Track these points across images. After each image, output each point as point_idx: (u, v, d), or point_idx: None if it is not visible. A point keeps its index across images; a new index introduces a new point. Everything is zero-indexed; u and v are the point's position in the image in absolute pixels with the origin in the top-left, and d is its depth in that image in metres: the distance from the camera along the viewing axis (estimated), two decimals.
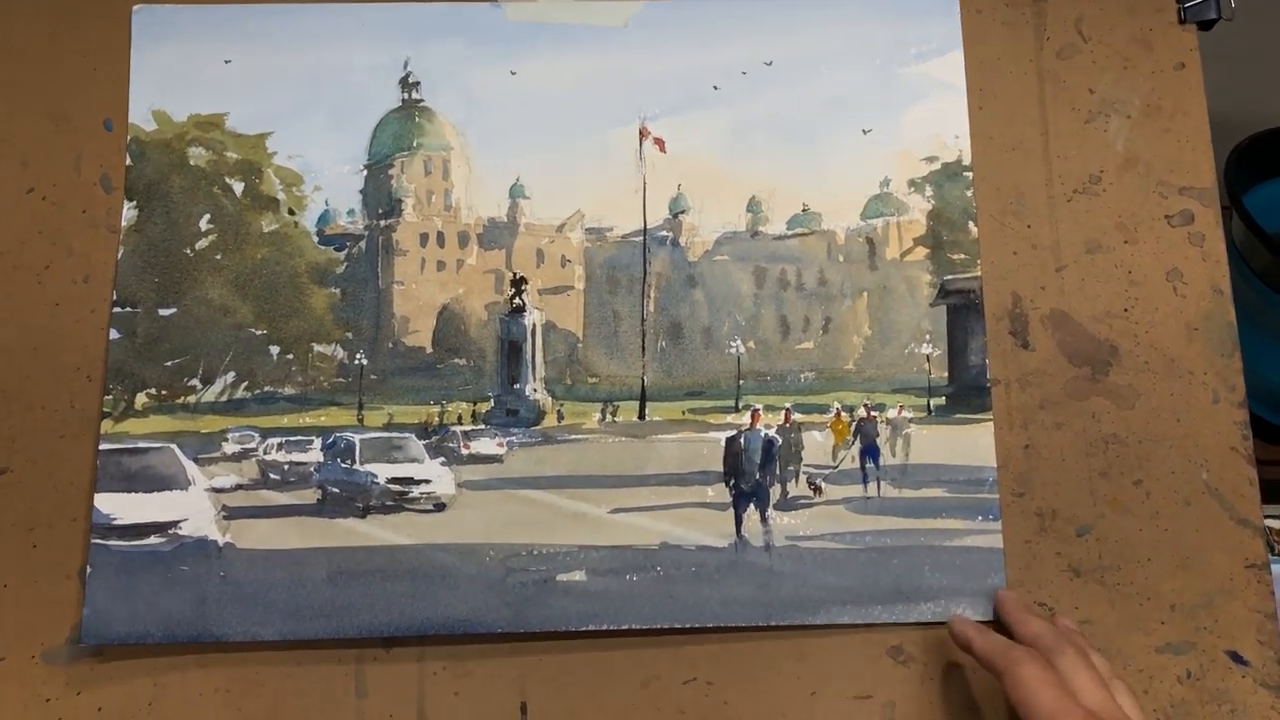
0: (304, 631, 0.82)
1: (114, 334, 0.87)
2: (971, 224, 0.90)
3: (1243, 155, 1.25)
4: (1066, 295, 0.90)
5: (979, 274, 0.89)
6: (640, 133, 0.91)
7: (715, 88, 0.92)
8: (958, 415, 0.87)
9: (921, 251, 0.90)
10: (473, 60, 0.92)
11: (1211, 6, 0.93)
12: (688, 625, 0.83)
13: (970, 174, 0.91)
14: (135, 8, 0.92)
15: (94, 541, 0.83)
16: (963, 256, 0.89)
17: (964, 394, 0.87)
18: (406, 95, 0.91)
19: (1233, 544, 0.85)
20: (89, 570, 0.82)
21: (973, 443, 0.86)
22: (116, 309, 0.87)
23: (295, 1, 0.92)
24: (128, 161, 0.90)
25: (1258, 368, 1.29)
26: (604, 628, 0.83)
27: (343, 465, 0.86)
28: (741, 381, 0.89)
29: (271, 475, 0.86)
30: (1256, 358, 1.28)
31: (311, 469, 0.86)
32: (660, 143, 0.91)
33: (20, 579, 0.84)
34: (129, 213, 0.89)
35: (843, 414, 0.88)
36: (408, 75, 0.91)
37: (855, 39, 0.92)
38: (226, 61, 0.91)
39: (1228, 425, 0.87)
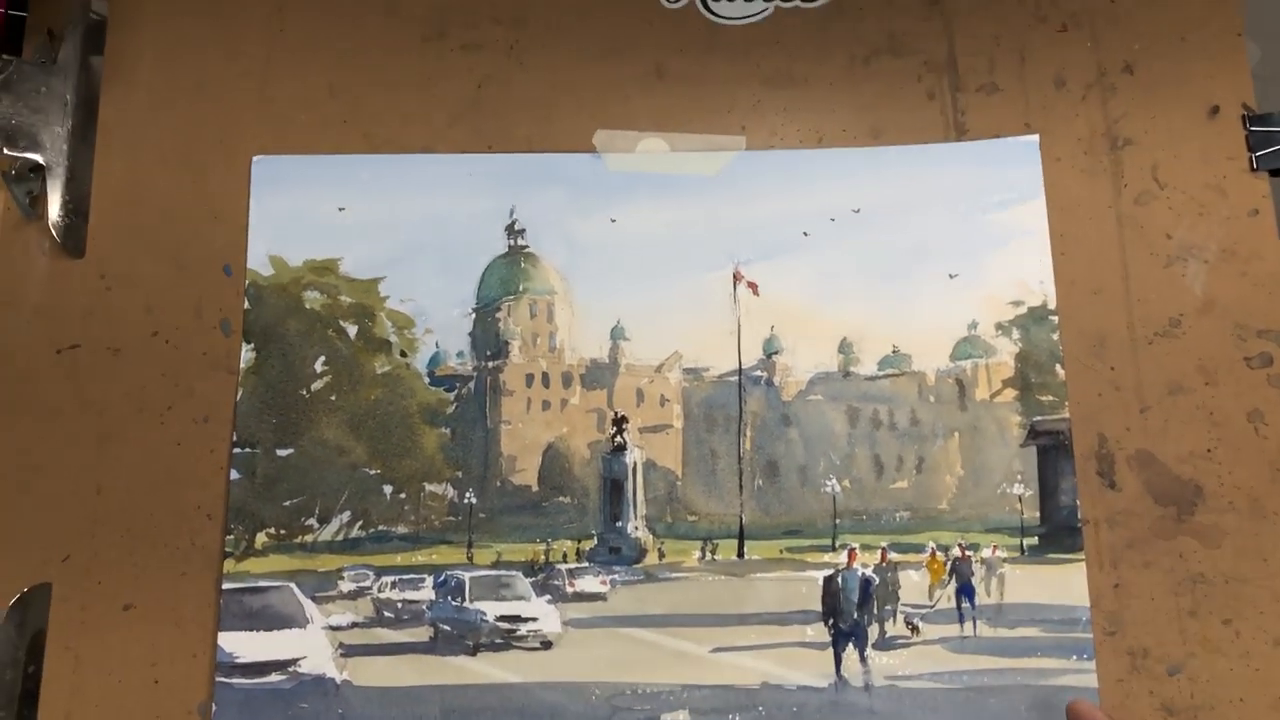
0: None
1: (234, 474, 0.91)
2: (1058, 366, 0.93)
3: None
4: (1151, 436, 0.93)
5: (1067, 415, 0.92)
6: (734, 276, 0.95)
7: (805, 234, 0.96)
8: (1050, 555, 0.90)
9: (1010, 393, 0.93)
10: (575, 208, 0.96)
11: None
12: None
13: (1055, 317, 0.94)
14: (255, 158, 0.97)
15: (218, 679, 0.86)
16: (1051, 398, 0.93)
17: (1056, 534, 0.90)
18: (512, 241, 0.96)
19: None
20: (214, 708, 0.85)
21: (1065, 582, 0.89)
22: (236, 449, 0.91)
23: (406, 152, 0.97)
24: (245, 305, 0.94)
25: None
26: None
27: (454, 603, 0.89)
28: (838, 520, 0.92)
29: (386, 613, 0.89)
30: None
31: (424, 607, 0.89)
32: (754, 286, 0.95)
33: (143, 714, 0.87)
34: (247, 355, 0.93)
35: (938, 553, 0.91)
36: (513, 222, 0.96)
37: (940, 187, 0.97)
38: (340, 209, 0.96)
39: None
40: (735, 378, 0.95)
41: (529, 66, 1.02)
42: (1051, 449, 0.92)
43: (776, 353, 0.95)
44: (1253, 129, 0.99)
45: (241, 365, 0.93)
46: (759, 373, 0.95)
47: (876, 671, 0.88)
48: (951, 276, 0.95)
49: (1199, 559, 0.90)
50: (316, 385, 0.93)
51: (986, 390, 0.94)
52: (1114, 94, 1.00)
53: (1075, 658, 0.88)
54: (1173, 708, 0.88)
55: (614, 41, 1.02)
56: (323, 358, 0.94)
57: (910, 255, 0.96)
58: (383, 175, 0.97)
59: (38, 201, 0.95)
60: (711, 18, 1.03)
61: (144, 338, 0.94)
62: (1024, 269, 0.95)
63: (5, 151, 0.94)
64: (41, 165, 0.95)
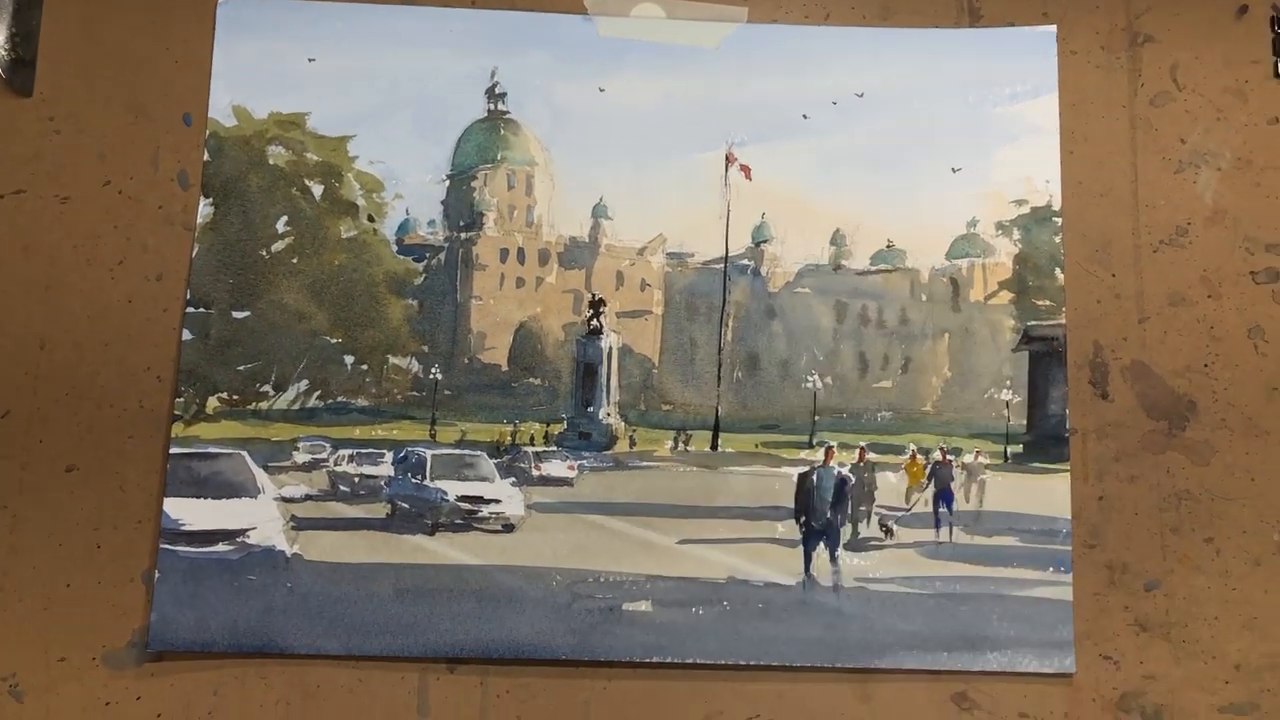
0: (369, 647, 0.84)
1: (186, 335, 0.89)
2: (1058, 270, 0.92)
3: None
4: (1148, 347, 0.92)
5: (1062, 321, 0.91)
6: (726, 158, 0.93)
7: (805, 116, 0.94)
8: (1034, 464, 0.90)
9: (1006, 296, 0.92)
10: (561, 74, 0.93)
11: None
12: (753, 662, 0.85)
13: (1059, 219, 0.92)
14: (221, 1, 0.93)
15: (162, 546, 0.85)
16: (1047, 303, 0.92)
17: (1042, 443, 0.90)
18: (492, 106, 0.93)
19: None
20: (157, 575, 0.84)
21: (1048, 493, 0.89)
22: (190, 309, 0.89)
23: (384, 2, 0.93)
24: (205, 157, 0.91)
25: None
26: (668, 660, 0.85)
27: (413, 480, 0.88)
28: (817, 417, 0.91)
29: (341, 487, 0.88)
30: None
31: (382, 483, 0.88)
32: (746, 170, 0.93)
33: (84, 579, 0.86)
34: (205, 210, 0.91)
35: (918, 456, 0.90)
36: (494, 85, 0.93)
37: (949, 75, 0.94)
38: (310, 60, 0.93)
39: None
40: (721, 265, 0.93)
41: None
42: (1044, 355, 0.92)
43: (766, 241, 0.93)
44: None
45: (198, 221, 0.90)
46: (746, 261, 0.93)
47: (846, 572, 0.88)
48: (954, 170, 0.93)
49: (1186, 475, 0.91)
50: (277, 246, 0.91)
51: (981, 291, 0.93)
52: None
53: (1052, 569, 0.88)
54: (1146, 623, 0.88)
55: None
56: (285, 217, 0.91)
57: (913, 145, 0.94)
58: (358, 25, 0.93)
59: None
60: None
61: (96, 187, 0.92)
62: (1030, 167, 0.94)
63: None
64: None
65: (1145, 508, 0.90)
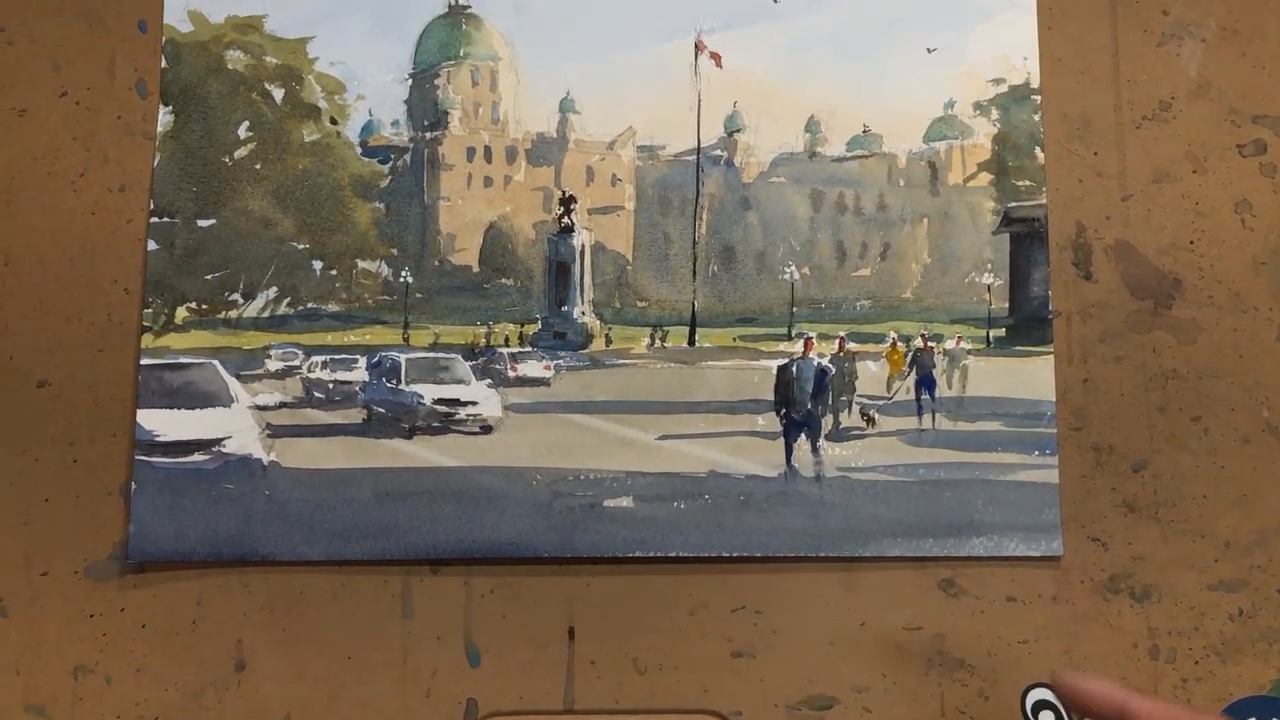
0: (350, 552, 0.84)
1: (152, 245, 0.88)
2: (1038, 150, 0.90)
3: None
4: (1132, 226, 0.90)
5: (1044, 202, 0.89)
6: (696, 46, 0.91)
7: (775, 1, 0.91)
8: (1017, 347, 0.89)
9: (985, 177, 0.91)
10: None
11: None
12: (735, 554, 0.85)
13: (1038, 97, 0.90)
14: None
15: (138, 458, 0.85)
16: (1028, 183, 0.90)
17: (1024, 325, 0.89)
18: (453, 0, 0.91)
19: None
20: (134, 487, 0.84)
21: (1031, 376, 0.88)
22: (154, 219, 0.88)
23: None
24: (163, 64, 0.89)
25: None
26: (651, 554, 0.85)
27: (388, 385, 0.88)
28: (795, 309, 0.90)
29: (316, 394, 0.87)
30: None
31: (357, 388, 0.88)
32: (717, 58, 0.91)
33: (62, 494, 0.86)
34: (165, 118, 0.89)
35: (899, 344, 0.89)
36: None
37: None
38: None
39: None
40: (693, 157, 0.92)
41: None
42: (1025, 237, 0.90)
43: (738, 131, 0.92)
44: None
45: (159, 129, 0.89)
46: (719, 152, 0.92)
47: (828, 462, 0.87)
48: (930, 50, 0.91)
49: (1173, 354, 0.89)
50: (240, 152, 0.90)
51: (960, 174, 0.91)
52: None
53: (1037, 453, 0.87)
54: (1135, 504, 0.88)
55: None
56: (246, 123, 0.90)
57: (886, 27, 0.92)
58: None
59: None
60: None
61: (52, 98, 0.90)
62: (1008, 44, 0.92)
63: None
64: None
65: (1131, 388, 0.89)
